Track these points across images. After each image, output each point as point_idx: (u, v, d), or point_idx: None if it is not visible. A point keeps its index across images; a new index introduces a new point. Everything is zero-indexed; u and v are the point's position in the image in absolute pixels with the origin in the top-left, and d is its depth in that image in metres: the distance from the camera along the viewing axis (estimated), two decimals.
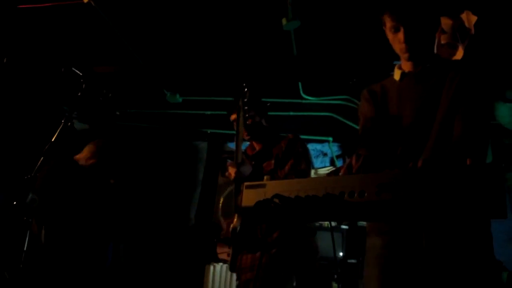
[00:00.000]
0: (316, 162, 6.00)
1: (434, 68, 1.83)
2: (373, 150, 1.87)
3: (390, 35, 1.85)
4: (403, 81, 1.89)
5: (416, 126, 1.77)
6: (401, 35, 1.78)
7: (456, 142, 1.65)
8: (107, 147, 3.48)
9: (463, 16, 3.21)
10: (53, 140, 2.40)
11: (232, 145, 5.70)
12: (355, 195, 1.27)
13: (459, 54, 3.16)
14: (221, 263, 4.97)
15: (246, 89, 2.79)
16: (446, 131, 1.69)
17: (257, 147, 3.01)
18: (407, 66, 1.89)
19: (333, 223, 4.57)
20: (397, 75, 1.92)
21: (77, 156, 3.39)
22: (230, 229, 2.60)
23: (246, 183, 1.46)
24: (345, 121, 5.45)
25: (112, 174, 3.55)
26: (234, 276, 4.84)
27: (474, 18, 3.20)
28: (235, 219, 2.60)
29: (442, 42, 3.19)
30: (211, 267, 4.92)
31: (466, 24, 3.19)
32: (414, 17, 1.76)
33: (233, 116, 2.93)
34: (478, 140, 1.66)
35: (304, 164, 2.77)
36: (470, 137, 1.65)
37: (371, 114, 1.96)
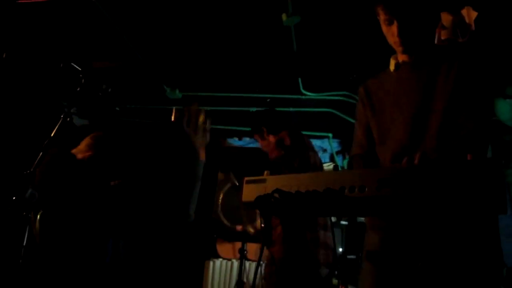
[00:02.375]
0: None
1: (429, 56, 1.84)
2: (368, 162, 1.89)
3: (384, 27, 1.84)
4: (398, 72, 1.90)
5: (414, 116, 1.76)
6: (394, 28, 1.77)
7: (462, 137, 1.63)
8: (104, 139, 3.50)
9: (464, 12, 3.20)
10: (52, 135, 2.39)
11: (231, 141, 5.70)
12: (356, 190, 1.27)
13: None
14: (220, 259, 4.97)
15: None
16: (447, 120, 1.68)
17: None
18: (402, 57, 1.89)
19: (333, 219, 4.57)
20: (392, 65, 1.92)
21: (74, 150, 3.39)
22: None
23: (246, 178, 1.46)
24: (345, 117, 5.45)
25: (111, 170, 3.55)
26: (234, 271, 4.84)
27: (474, 14, 3.19)
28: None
29: (443, 38, 3.18)
30: (211, 263, 4.93)
31: (467, 20, 3.18)
32: (407, 10, 1.75)
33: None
34: (482, 134, 1.65)
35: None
36: (474, 133, 1.64)
37: (365, 118, 1.97)
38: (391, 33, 1.81)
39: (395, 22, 1.76)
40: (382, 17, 1.81)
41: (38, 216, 2.92)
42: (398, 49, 1.85)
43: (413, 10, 1.76)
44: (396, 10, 1.75)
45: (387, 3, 1.77)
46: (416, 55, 1.85)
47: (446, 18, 3.20)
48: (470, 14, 3.20)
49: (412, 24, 1.77)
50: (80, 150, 3.41)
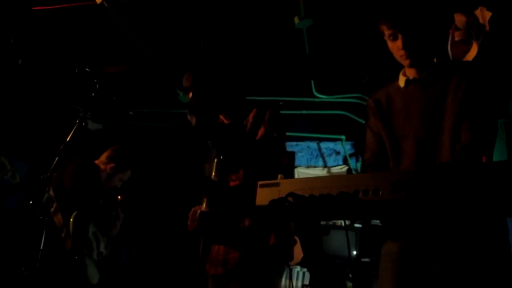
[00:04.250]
0: (329, 161, 5.99)
1: (439, 73, 1.83)
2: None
3: (389, 43, 1.85)
4: (408, 88, 1.89)
5: (425, 135, 1.77)
6: (399, 42, 1.78)
7: (465, 144, 1.64)
8: (123, 152, 3.58)
9: (477, 12, 3.17)
10: (67, 140, 2.42)
11: None
12: (370, 193, 1.27)
13: (473, 51, 3.12)
14: None
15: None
16: (458, 137, 1.69)
17: (225, 121, 2.61)
18: (411, 72, 1.88)
19: (347, 222, 4.55)
20: (401, 81, 1.91)
21: (97, 161, 3.47)
22: (197, 213, 2.31)
23: (260, 182, 1.46)
24: (358, 119, 5.43)
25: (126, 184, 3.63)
26: None
27: (488, 14, 3.16)
28: (204, 203, 2.35)
29: (456, 39, 3.16)
30: None
31: (481, 21, 3.15)
32: (410, 22, 1.77)
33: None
34: (486, 140, 1.66)
35: (276, 132, 2.34)
36: (478, 139, 1.65)
37: (376, 128, 1.96)
38: (396, 48, 1.82)
39: (399, 36, 1.78)
40: (386, 32, 1.82)
41: (72, 219, 2.96)
42: (405, 62, 1.84)
43: (416, 22, 1.77)
44: (399, 23, 1.77)
45: (388, 18, 1.79)
46: (426, 72, 1.84)
47: (459, 19, 3.18)
48: (484, 15, 3.18)
49: (416, 36, 1.78)
50: (102, 162, 3.49)
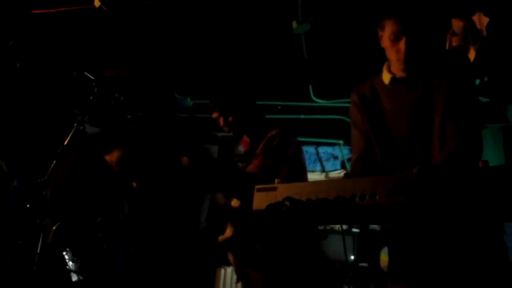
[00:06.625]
0: (327, 165, 5.98)
1: (423, 72, 1.79)
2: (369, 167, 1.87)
3: (387, 41, 1.79)
4: (394, 87, 1.84)
5: (416, 137, 1.75)
6: (402, 44, 1.72)
7: (453, 147, 1.64)
8: (131, 156, 3.52)
9: (475, 17, 3.18)
10: (65, 143, 2.41)
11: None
12: (367, 198, 1.27)
13: (471, 57, 3.13)
14: (232, 266, 4.96)
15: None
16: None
17: (247, 143, 2.73)
18: (398, 71, 1.84)
19: (344, 226, 4.54)
20: (386, 78, 1.87)
21: (107, 158, 3.41)
22: (222, 239, 2.51)
23: (257, 186, 1.46)
24: None
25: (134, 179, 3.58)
26: None
27: (486, 20, 3.17)
28: (228, 230, 2.49)
29: (454, 44, 3.17)
30: (222, 270, 4.92)
31: (478, 26, 3.16)
32: (418, 27, 1.71)
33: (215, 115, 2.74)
34: (472, 141, 1.65)
35: (274, 160, 2.32)
36: (465, 142, 1.64)
37: (363, 126, 1.94)
38: (396, 49, 1.75)
39: (404, 38, 1.72)
40: (389, 29, 1.76)
41: (54, 228, 2.93)
42: (400, 66, 1.80)
43: (423, 28, 1.72)
44: (408, 25, 1.71)
45: (400, 16, 1.72)
46: (413, 71, 1.81)
47: (457, 25, 3.19)
48: (481, 20, 3.19)
49: (420, 42, 1.73)
50: (110, 161, 3.44)
